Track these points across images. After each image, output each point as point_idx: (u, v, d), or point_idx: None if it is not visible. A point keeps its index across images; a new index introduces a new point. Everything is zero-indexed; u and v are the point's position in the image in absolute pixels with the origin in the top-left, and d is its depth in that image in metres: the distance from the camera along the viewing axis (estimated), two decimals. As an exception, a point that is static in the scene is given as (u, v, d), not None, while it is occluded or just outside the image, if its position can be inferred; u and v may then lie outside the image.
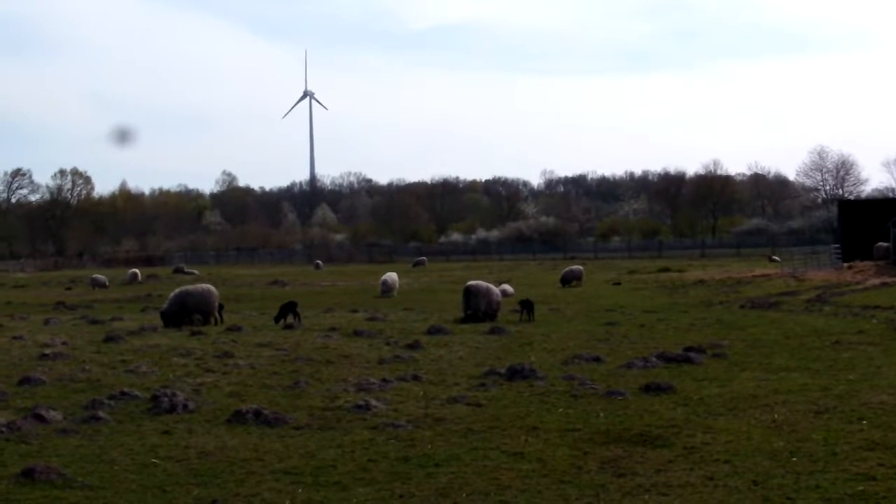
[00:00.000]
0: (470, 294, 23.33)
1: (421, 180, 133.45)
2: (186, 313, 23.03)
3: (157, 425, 10.45)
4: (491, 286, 24.56)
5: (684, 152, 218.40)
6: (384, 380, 13.24)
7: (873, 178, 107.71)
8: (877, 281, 35.20)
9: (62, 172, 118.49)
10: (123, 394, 12.11)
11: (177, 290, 24.19)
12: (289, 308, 23.38)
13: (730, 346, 16.61)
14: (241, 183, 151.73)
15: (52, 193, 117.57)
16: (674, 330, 19.99)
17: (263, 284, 48.24)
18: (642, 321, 22.05)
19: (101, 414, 10.84)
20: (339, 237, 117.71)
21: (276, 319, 23.10)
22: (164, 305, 23.75)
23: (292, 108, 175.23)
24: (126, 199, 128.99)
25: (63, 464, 8.59)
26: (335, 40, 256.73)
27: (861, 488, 7.43)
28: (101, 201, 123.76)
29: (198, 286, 25.01)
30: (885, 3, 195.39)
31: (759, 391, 11.91)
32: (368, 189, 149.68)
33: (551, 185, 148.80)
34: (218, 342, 18.52)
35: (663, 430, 9.74)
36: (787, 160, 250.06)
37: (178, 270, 68.03)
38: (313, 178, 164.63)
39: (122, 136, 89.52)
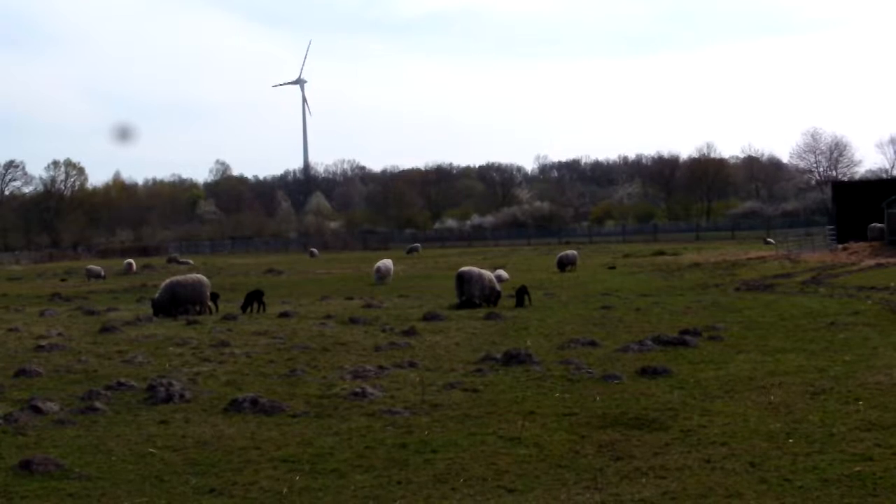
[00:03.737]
0: (462, 280, 23.30)
1: (415, 167, 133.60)
2: (177, 304, 22.99)
3: (153, 415, 10.43)
4: (483, 271, 24.51)
5: (678, 136, 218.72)
6: (380, 367, 13.24)
7: (867, 160, 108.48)
8: (871, 262, 35.33)
9: (55, 164, 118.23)
10: (120, 384, 12.09)
11: (167, 281, 24.14)
12: (254, 296, 23.46)
13: (725, 328, 16.62)
14: (235, 172, 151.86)
15: (45, 185, 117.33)
16: (669, 313, 19.99)
17: (258, 273, 48.18)
18: (638, 305, 22.05)
19: (97, 404, 10.83)
20: (333, 225, 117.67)
21: (244, 308, 23.24)
22: (156, 295, 23.74)
23: (284, 83, 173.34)
24: (120, 190, 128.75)
25: (60, 455, 8.57)
26: (329, 28, 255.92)
27: (858, 469, 7.44)
28: (95, 192, 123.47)
29: (188, 276, 24.92)
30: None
31: (756, 373, 11.93)
32: (362, 176, 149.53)
33: (545, 170, 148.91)
34: (214, 331, 18.50)
35: (660, 413, 9.75)
36: (780, 142, 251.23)
37: (173, 260, 67.91)
38: (307, 166, 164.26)
39: (123, 134, 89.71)
